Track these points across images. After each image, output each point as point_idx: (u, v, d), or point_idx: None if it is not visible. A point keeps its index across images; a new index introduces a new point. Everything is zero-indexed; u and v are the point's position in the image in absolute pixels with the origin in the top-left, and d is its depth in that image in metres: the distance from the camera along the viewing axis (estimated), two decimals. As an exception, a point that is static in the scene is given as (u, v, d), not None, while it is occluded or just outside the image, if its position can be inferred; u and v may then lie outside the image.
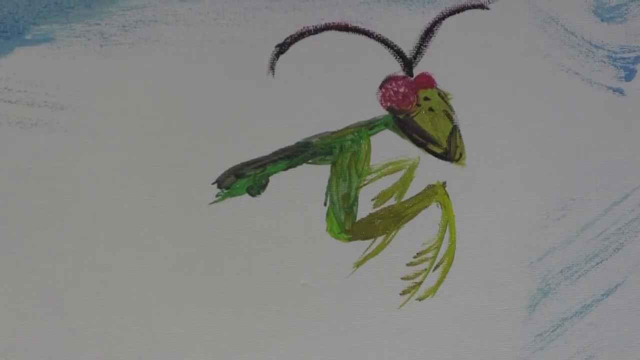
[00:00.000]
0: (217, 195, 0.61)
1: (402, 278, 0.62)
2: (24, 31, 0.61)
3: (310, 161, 0.62)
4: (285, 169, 0.62)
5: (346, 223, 0.62)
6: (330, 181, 0.62)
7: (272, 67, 0.62)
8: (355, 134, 0.62)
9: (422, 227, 0.62)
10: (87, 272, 0.60)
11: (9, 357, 0.60)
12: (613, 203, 0.64)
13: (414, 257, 0.62)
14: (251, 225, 0.61)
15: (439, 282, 0.62)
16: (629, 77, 0.65)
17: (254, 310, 0.61)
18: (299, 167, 0.62)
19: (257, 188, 0.61)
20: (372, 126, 0.62)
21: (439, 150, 0.63)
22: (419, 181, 0.63)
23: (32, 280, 0.60)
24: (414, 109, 0.63)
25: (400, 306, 0.62)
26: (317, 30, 0.63)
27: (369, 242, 0.62)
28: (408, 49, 0.63)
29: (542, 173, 0.63)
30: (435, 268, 0.62)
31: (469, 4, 0.64)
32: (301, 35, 0.62)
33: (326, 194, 0.62)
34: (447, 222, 0.62)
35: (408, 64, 0.63)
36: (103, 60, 0.61)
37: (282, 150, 0.62)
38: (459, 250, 0.62)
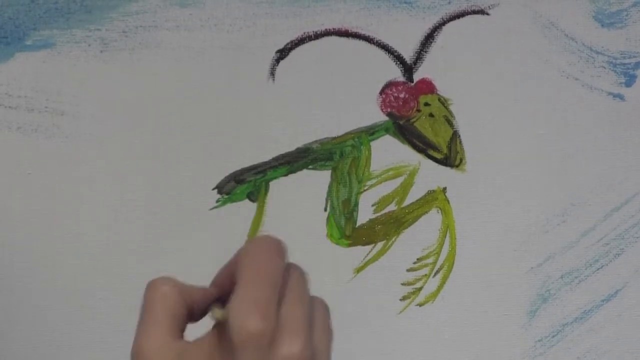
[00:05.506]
0: (217, 201, 0.61)
1: (402, 284, 0.62)
2: (25, 37, 0.61)
3: (310, 167, 0.62)
4: (286, 175, 0.62)
5: (346, 229, 0.62)
6: (330, 187, 0.62)
7: (272, 73, 0.62)
8: (356, 139, 0.62)
9: (423, 233, 0.62)
10: (87, 278, 0.60)
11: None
12: (613, 209, 0.64)
13: (414, 263, 0.62)
14: (251, 230, 0.61)
15: (439, 287, 0.62)
16: (629, 82, 0.65)
17: (254, 315, 0.61)
18: (299, 173, 0.62)
19: (257, 194, 0.61)
20: (372, 132, 0.62)
21: (439, 156, 0.63)
22: (419, 187, 0.63)
23: (31, 286, 0.60)
24: (414, 114, 0.63)
25: (400, 312, 0.62)
26: (317, 36, 0.63)
27: (369, 247, 0.62)
28: (408, 55, 0.63)
29: (542, 178, 0.63)
30: (436, 274, 0.62)
31: (469, 10, 0.64)
32: (301, 40, 0.62)
33: (326, 200, 0.62)
34: (447, 227, 0.62)
35: (408, 69, 0.63)
36: (103, 66, 0.61)
37: (283, 156, 0.62)
38: (459, 256, 0.62)
